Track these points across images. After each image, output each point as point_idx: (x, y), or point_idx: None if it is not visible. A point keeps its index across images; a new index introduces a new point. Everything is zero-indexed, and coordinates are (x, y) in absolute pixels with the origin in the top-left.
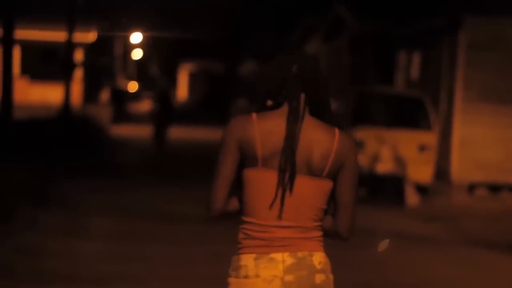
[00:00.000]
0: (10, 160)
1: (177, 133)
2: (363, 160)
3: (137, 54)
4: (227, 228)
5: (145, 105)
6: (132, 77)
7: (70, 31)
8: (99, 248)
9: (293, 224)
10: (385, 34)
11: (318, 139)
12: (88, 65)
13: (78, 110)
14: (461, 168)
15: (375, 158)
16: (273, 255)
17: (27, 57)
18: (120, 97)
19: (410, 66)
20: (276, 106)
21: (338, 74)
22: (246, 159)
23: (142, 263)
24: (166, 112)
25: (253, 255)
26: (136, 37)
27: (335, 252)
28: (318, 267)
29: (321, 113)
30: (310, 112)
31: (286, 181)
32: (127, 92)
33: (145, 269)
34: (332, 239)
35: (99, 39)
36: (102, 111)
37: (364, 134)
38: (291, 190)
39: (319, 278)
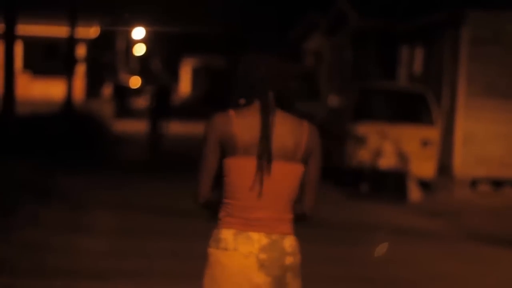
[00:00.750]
0: (12, 155)
1: (179, 128)
2: (365, 155)
3: (139, 49)
4: None
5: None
6: (134, 72)
7: (72, 26)
8: (100, 243)
9: (269, 205)
10: (387, 29)
11: (290, 129)
12: (90, 61)
13: (80, 105)
14: (463, 163)
15: (378, 154)
16: (251, 233)
17: (29, 52)
18: (123, 93)
19: (413, 61)
20: (248, 104)
21: (340, 69)
22: (227, 150)
23: (144, 258)
24: (163, 107)
25: (233, 231)
26: (138, 33)
27: (339, 248)
28: (289, 250)
29: (288, 107)
30: (279, 106)
31: (264, 166)
32: (129, 88)
33: (146, 264)
34: (296, 221)
35: (101, 35)
36: (105, 106)
37: (366, 129)
38: (268, 173)
39: (288, 260)
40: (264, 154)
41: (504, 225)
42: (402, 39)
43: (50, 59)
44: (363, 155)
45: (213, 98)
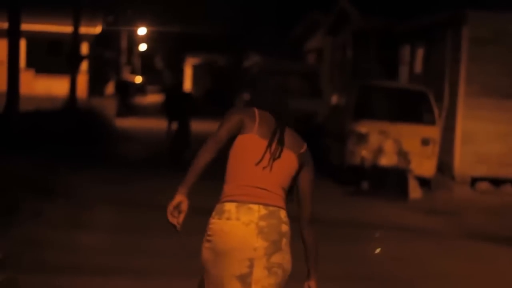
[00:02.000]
0: (15, 152)
1: None
2: (366, 153)
3: (142, 47)
4: None
5: (150, 98)
6: (137, 70)
7: (76, 23)
8: (103, 240)
9: (269, 182)
10: (389, 28)
11: (295, 138)
12: (93, 58)
13: (83, 102)
14: (463, 162)
15: (379, 152)
16: (251, 205)
17: (32, 50)
18: (125, 90)
19: (414, 60)
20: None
21: (341, 68)
22: (243, 130)
23: (146, 255)
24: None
25: (235, 203)
26: (141, 31)
27: (339, 246)
28: (284, 219)
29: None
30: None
31: (274, 149)
32: (132, 85)
33: (149, 261)
34: (305, 229)
35: (104, 32)
36: (107, 103)
37: (367, 127)
38: (276, 155)
39: (284, 227)
40: (277, 141)
41: (504, 224)
42: (403, 39)
43: (53, 56)
44: (364, 153)
45: (214, 96)
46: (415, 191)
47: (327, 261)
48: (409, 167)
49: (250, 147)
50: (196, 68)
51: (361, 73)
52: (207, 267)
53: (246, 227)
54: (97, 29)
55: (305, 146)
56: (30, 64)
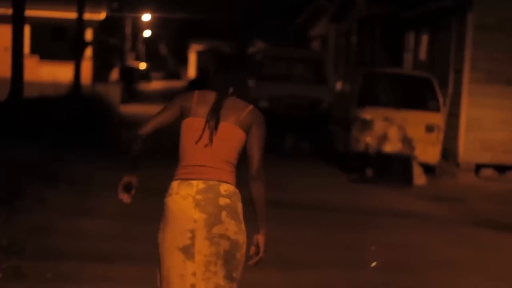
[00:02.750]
0: (20, 138)
1: None
2: (371, 140)
3: (146, 33)
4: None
5: (154, 85)
6: (141, 56)
7: (80, 9)
8: (107, 226)
9: (211, 157)
10: (393, 15)
11: (236, 105)
12: (98, 44)
13: (87, 88)
14: (468, 149)
15: (383, 139)
16: (192, 181)
17: (36, 36)
18: (130, 76)
19: (418, 47)
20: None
21: (346, 55)
22: (184, 115)
23: (151, 242)
24: None
25: (178, 181)
26: (145, 17)
27: (343, 233)
28: (224, 193)
29: (242, 98)
30: (236, 96)
31: (211, 125)
32: (136, 71)
33: (153, 248)
34: (252, 183)
35: (109, 18)
36: (112, 90)
37: (372, 114)
38: (215, 131)
39: (223, 201)
40: (212, 117)
41: (508, 210)
42: (408, 26)
43: (57, 42)
44: (368, 140)
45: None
46: (419, 178)
47: (332, 247)
48: (413, 154)
49: (190, 129)
50: (200, 55)
51: (365, 59)
52: (159, 242)
53: (183, 200)
54: (102, 15)
55: (248, 109)
56: (34, 50)
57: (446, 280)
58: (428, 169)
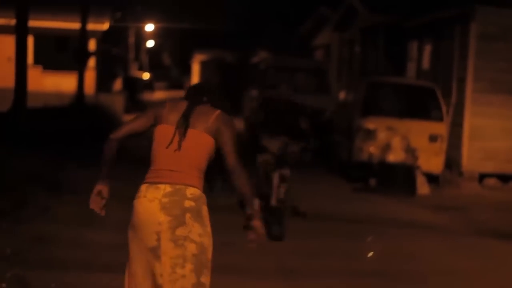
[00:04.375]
0: (23, 148)
1: None
2: (374, 150)
3: (149, 44)
4: (241, 220)
5: (157, 95)
6: (144, 66)
7: (84, 20)
8: (111, 236)
9: (179, 162)
10: (396, 24)
11: (204, 112)
12: (101, 54)
13: (91, 98)
14: (471, 158)
15: (386, 148)
16: (159, 185)
17: (40, 46)
18: (133, 86)
19: (421, 56)
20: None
21: (349, 64)
22: (157, 122)
23: None
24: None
25: (147, 184)
26: (149, 27)
27: (347, 242)
28: (189, 196)
29: (217, 106)
30: (211, 104)
31: (180, 132)
32: (140, 81)
33: None
34: (232, 177)
35: (112, 29)
36: (115, 100)
37: (375, 124)
38: (184, 137)
39: (188, 203)
40: (182, 124)
41: (511, 220)
42: (411, 35)
43: (61, 52)
44: (371, 150)
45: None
46: (422, 187)
47: (336, 257)
48: (416, 163)
49: (161, 135)
50: (203, 65)
51: (368, 69)
52: (129, 243)
53: (150, 203)
54: (105, 26)
55: (215, 115)
56: (38, 60)
57: None
58: (431, 178)
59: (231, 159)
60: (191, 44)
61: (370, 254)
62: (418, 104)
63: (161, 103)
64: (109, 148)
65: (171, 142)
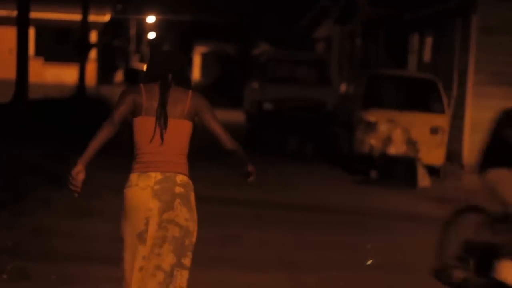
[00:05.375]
0: (24, 139)
1: None
2: (375, 142)
3: (151, 35)
4: (243, 212)
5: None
6: (146, 58)
7: (85, 12)
8: (112, 228)
9: (165, 152)
10: (397, 17)
11: (178, 97)
12: (102, 46)
13: (92, 90)
14: (472, 151)
15: (387, 141)
16: (150, 173)
17: (41, 38)
18: (134, 78)
19: (422, 49)
20: (154, 81)
21: (350, 57)
22: (136, 112)
23: None
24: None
25: (137, 173)
26: (150, 19)
27: (348, 235)
28: (179, 182)
29: (183, 84)
30: (175, 84)
31: (161, 123)
32: (141, 73)
33: None
34: (234, 154)
35: (113, 21)
36: (116, 91)
37: (376, 116)
38: (165, 129)
39: (178, 189)
40: (161, 116)
41: None
42: (412, 28)
43: (62, 44)
44: (372, 142)
45: (223, 85)
46: (423, 180)
47: (337, 250)
48: (417, 156)
49: (142, 128)
50: (204, 57)
51: (370, 61)
52: (123, 232)
53: (143, 191)
54: (106, 17)
55: (189, 98)
56: (39, 52)
57: None
58: (432, 171)
59: (224, 136)
60: (192, 36)
61: (369, 262)
62: (419, 97)
63: (136, 88)
64: (103, 135)
65: (153, 136)
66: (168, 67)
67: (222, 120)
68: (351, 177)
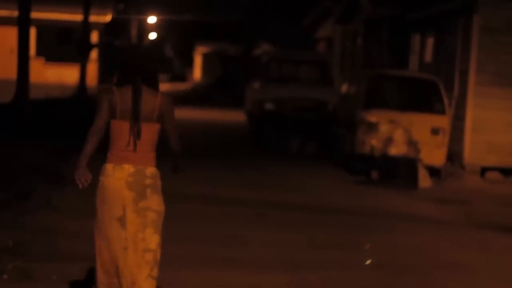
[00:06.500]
0: (26, 139)
1: (191, 114)
2: (376, 142)
3: (152, 36)
4: (246, 213)
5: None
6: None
7: (86, 12)
8: None
9: (137, 150)
10: (399, 17)
11: (149, 99)
12: (103, 46)
13: (93, 90)
14: (473, 151)
15: (388, 141)
16: (123, 165)
17: (42, 38)
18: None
19: (424, 49)
20: (125, 83)
21: (352, 57)
22: (112, 114)
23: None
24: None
25: (112, 164)
26: (151, 19)
27: (348, 235)
28: (148, 175)
29: (152, 86)
30: (146, 84)
31: (134, 127)
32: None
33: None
34: (175, 158)
35: (114, 21)
36: None
37: (377, 117)
38: (139, 132)
39: (148, 181)
40: (134, 120)
41: None
42: (414, 28)
43: (63, 44)
44: (374, 143)
45: (224, 85)
46: (424, 180)
47: (338, 249)
48: (418, 156)
49: (118, 130)
50: (206, 57)
51: (371, 61)
52: (97, 213)
53: (118, 181)
54: (107, 18)
55: (158, 101)
56: (40, 52)
57: (452, 282)
58: (433, 171)
59: (174, 139)
60: (194, 36)
61: (368, 261)
62: (420, 97)
63: (109, 90)
64: (93, 141)
65: (129, 140)
66: (139, 72)
67: (224, 120)
68: (353, 177)
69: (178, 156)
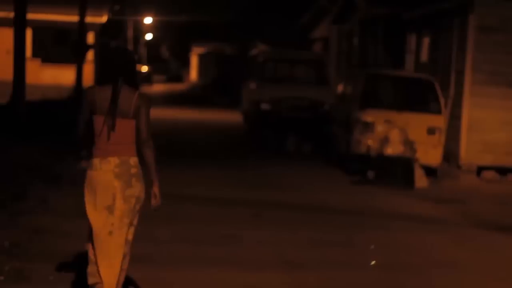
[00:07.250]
0: (22, 140)
1: (188, 115)
2: (372, 142)
3: (148, 37)
4: (242, 213)
5: (156, 87)
6: (143, 59)
7: (82, 13)
8: None
9: (117, 143)
10: (395, 17)
11: (127, 97)
12: (99, 47)
13: None
14: (470, 151)
15: (385, 141)
16: (109, 158)
17: (38, 39)
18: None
19: (420, 49)
20: (107, 83)
21: (348, 57)
22: (93, 110)
23: (154, 243)
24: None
25: (99, 158)
26: (147, 20)
27: (345, 235)
28: (133, 164)
29: (132, 84)
30: (125, 83)
31: (110, 121)
32: (138, 74)
33: (157, 249)
34: (144, 150)
35: (110, 22)
36: None
37: (373, 117)
38: (114, 126)
39: (133, 170)
40: (110, 115)
41: (510, 212)
42: (410, 27)
43: (59, 45)
44: (370, 142)
45: (221, 84)
46: (421, 180)
47: (334, 249)
48: (415, 156)
49: (98, 126)
50: (202, 57)
51: (367, 61)
52: (86, 203)
53: (106, 174)
54: (103, 19)
55: (135, 98)
56: (36, 53)
57: (448, 281)
58: (429, 171)
59: (144, 134)
60: (190, 37)
61: (373, 262)
62: (416, 97)
63: (91, 89)
64: (81, 145)
65: (108, 133)
66: (119, 72)
67: (220, 120)
68: (349, 177)
69: (150, 158)
